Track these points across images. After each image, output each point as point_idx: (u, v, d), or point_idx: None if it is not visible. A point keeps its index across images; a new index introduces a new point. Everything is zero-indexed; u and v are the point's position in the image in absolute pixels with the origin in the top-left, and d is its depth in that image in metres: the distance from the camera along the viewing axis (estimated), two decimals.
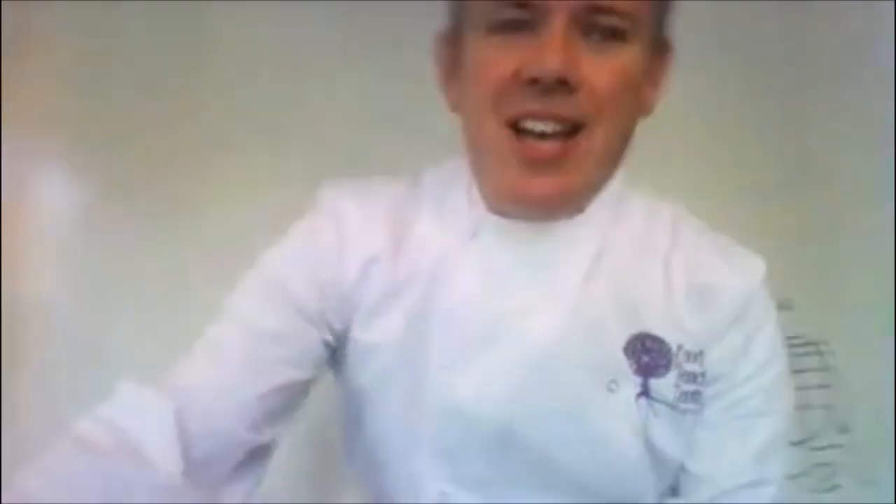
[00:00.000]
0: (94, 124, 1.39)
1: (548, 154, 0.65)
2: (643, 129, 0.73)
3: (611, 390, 0.69)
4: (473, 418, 0.70)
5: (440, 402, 0.71)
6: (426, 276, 0.73)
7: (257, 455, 0.71)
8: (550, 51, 0.61)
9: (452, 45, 0.71)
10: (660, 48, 0.70)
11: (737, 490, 0.71)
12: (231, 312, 0.73)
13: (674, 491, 0.74)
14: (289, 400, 0.73)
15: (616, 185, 0.74)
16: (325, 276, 0.74)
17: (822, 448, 1.38)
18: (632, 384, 0.69)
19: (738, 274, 0.73)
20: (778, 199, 1.41)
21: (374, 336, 0.74)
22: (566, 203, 0.70)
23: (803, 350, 1.39)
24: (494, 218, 0.72)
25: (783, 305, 1.36)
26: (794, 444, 1.37)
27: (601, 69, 0.63)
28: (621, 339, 0.70)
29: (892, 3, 1.31)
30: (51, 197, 1.44)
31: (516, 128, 0.65)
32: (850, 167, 1.42)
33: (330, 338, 0.75)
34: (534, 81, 0.62)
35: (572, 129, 0.65)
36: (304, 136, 1.39)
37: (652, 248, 0.74)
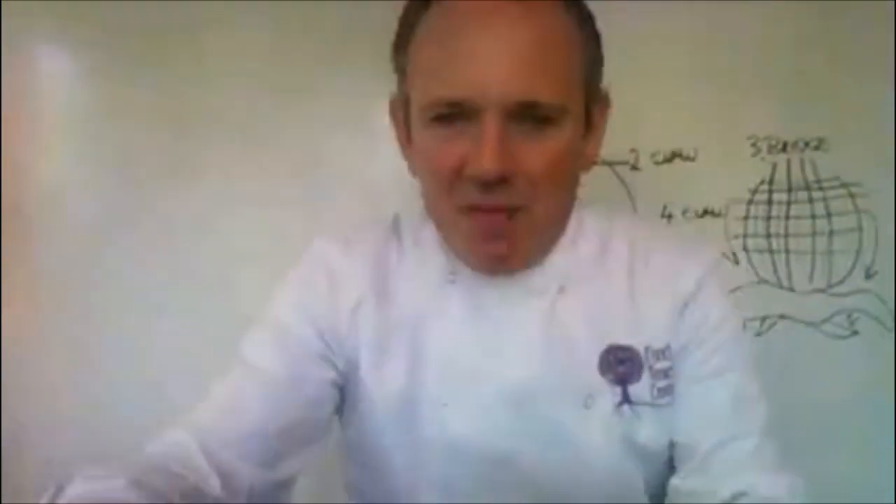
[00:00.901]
0: None
1: (499, 226, 0.72)
2: None
3: (587, 406, 0.76)
4: (468, 451, 0.77)
5: (436, 437, 0.78)
6: (414, 320, 0.80)
7: (275, 489, 0.76)
8: (487, 152, 0.67)
9: (406, 113, 0.77)
10: (596, 103, 0.78)
11: (716, 449, 0.76)
12: (242, 362, 0.80)
13: (672, 469, 0.81)
14: (301, 439, 0.78)
15: (571, 225, 0.82)
16: (322, 323, 0.81)
17: (846, 294, 1.35)
18: (609, 396, 0.77)
19: (691, 261, 0.81)
20: (815, 39, 1.34)
21: (373, 376, 0.80)
22: (519, 261, 0.78)
23: (836, 193, 1.35)
24: (468, 269, 0.80)
25: (819, 147, 1.33)
26: (819, 290, 1.35)
27: (536, 155, 0.69)
28: (594, 357, 0.77)
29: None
30: None
31: (469, 212, 0.72)
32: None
33: (336, 378, 0.81)
34: (475, 178, 0.69)
35: (514, 209, 0.72)
36: None
37: (611, 264, 0.81)
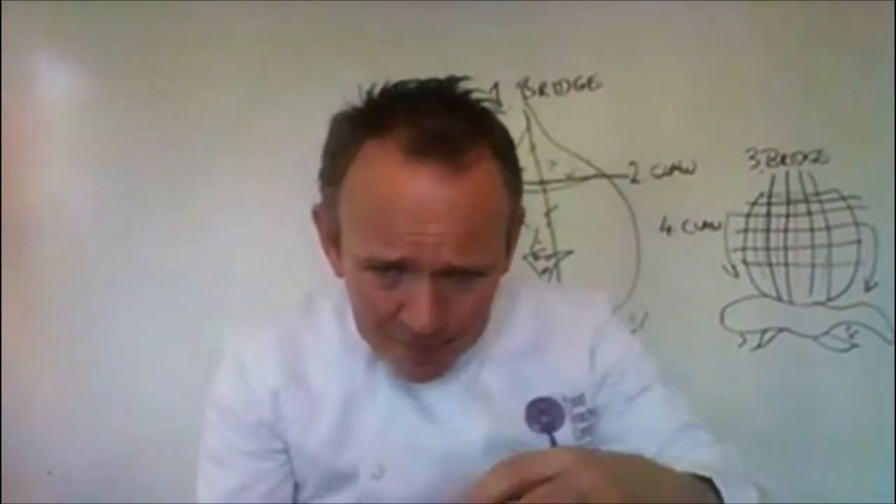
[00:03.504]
0: None
1: (426, 357, 0.77)
2: None
3: None
4: None
5: None
6: (343, 397, 0.85)
7: None
8: (423, 311, 0.71)
9: (332, 225, 0.78)
10: (514, 226, 0.81)
11: (663, 448, 0.82)
12: (204, 476, 0.88)
13: None
14: None
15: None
16: (249, 420, 0.86)
17: (846, 307, 1.35)
18: (537, 445, 0.80)
19: (589, 313, 0.89)
20: (813, 51, 1.34)
21: (302, 458, 0.86)
22: (442, 375, 0.83)
23: (835, 205, 1.35)
24: None
25: (817, 159, 1.34)
26: (819, 302, 1.35)
27: (467, 303, 0.74)
28: (520, 411, 0.83)
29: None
30: None
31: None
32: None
33: (286, 461, 0.88)
34: (411, 330, 0.72)
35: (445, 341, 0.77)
36: None
37: (520, 324, 0.88)
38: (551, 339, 0.87)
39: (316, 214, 0.83)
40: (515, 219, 0.81)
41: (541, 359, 0.86)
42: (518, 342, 0.87)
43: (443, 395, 0.84)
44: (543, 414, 0.84)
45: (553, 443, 0.82)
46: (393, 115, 0.72)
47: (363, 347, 0.84)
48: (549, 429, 0.83)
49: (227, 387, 0.87)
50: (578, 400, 0.85)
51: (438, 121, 0.70)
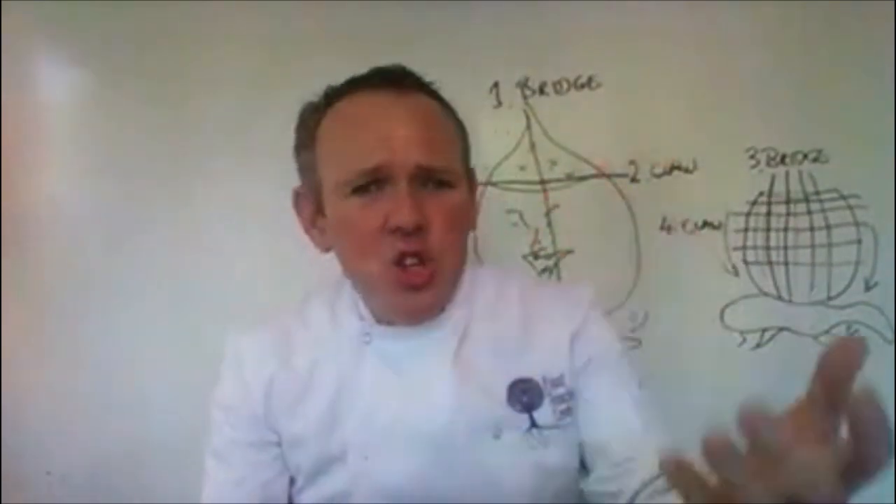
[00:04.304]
0: None
1: (422, 279, 0.84)
2: None
3: (496, 437, 0.87)
4: (395, 494, 0.87)
5: (364, 486, 0.88)
6: (333, 384, 0.90)
7: None
8: (404, 206, 0.81)
9: (312, 203, 0.91)
10: (472, 181, 0.95)
11: (631, 453, 0.86)
12: (207, 472, 0.94)
13: (582, 466, 0.92)
14: None
15: (466, 278, 0.94)
16: (246, 413, 0.92)
17: (846, 306, 1.35)
18: (518, 423, 0.88)
19: (573, 301, 0.94)
20: (814, 50, 1.34)
21: (293, 443, 0.91)
22: (434, 312, 0.90)
23: (835, 205, 1.35)
24: (382, 327, 0.91)
25: (817, 159, 1.34)
26: (819, 302, 1.35)
27: (440, 211, 0.84)
28: (502, 391, 0.88)
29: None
30: None
31: (397, 263, 0.83)
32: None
33: (279, 455, 0.94)
34: (398, 229, 0.81)
35: (429, 258, 0.84)
36: None
37: (506, 310, 0.94)
38: (534, 325, 0.92)
39: (297, 196, 0.94)
40: (468, 157, 0.93)
41: (524, 343, 0.91)
42: (502, 326, 0.92)
43: (429, 374, 0.89)
44: (524, 394, 0.89)
45: (532, 421, 0.88)
46: (353, 84, 0.89)
47: (351, 329, 0.92)
48: (529, 408, 0.88)
49: (228, 385, 0.94)
50: (558, 381, 0.90)
51: (391, 71, 0.88)
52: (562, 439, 0.89)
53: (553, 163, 1.39)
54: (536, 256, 1.39)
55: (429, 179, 0.84)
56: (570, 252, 1.40)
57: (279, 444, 0.93)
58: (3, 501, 1.41)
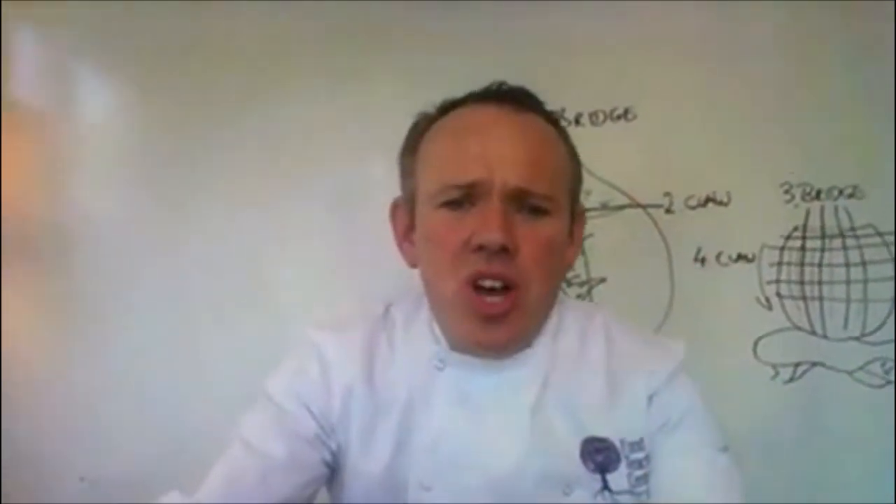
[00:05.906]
0: None
1: (499, 309, 0.80)
2: None
3: (565, 493, 0.82)
4: None
5: None
6: (401, 406, 0.86)
7: None
8: (493, 224, 0.77)
9: (407, 214, 0.88)
10: (576, 215, 0.88)
11: None
12: (243, 442, 0.86)
13: None
14: None
15: (553, 318, 0.89)
16: (315, 408, 0.87)
17: (880, 342, 1.35)
18: (590, 484, 0.82)
19: (661, 359, 0.88)
20: (852, 89, 1.35)
21: (360, 460, 0.87)
22: (513, 347, 0.85)
23: (871, 241, 1.35)
24: (457, 355, 0.86)
25: (853, 195, 1.34)
26: (853, 337, 1.34)
27: (532, 238, 0.79)
28: (575, 447, 0.83)
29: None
30: None
31: (474, 285, 0.79)
32: None
33: (329, 459, 0.88)
34: (481, 248, 0.77)
35: (512, 286, 0.80)
36: None
37: (589, 358, 0.88)
38: (618, 380, 0.86)
39: (394, 207, 0.91)
40: (577, 187, 0.88)
41: (604, 395, 0.86)
42: (584, 376, 0.87)
43: (506, 418, 0.84)
44: (599, 453, 0.83)
45: (605, 483, 0.82)
46: (469, 97, 0.86)
47: (425, 351, 0.88)
48: (602, 469, 0.83)
49: (304, 381, 0.88)
50: (637, 445, 0.84)
51: (509, 89, 0.86)
52: None
53: (588, 192, 1.40)
54: (570, 283, 1.41)
55: (525, 203, 0.79)
56: (603, 280, 1.41)
57: (327, 461, 0.88)
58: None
